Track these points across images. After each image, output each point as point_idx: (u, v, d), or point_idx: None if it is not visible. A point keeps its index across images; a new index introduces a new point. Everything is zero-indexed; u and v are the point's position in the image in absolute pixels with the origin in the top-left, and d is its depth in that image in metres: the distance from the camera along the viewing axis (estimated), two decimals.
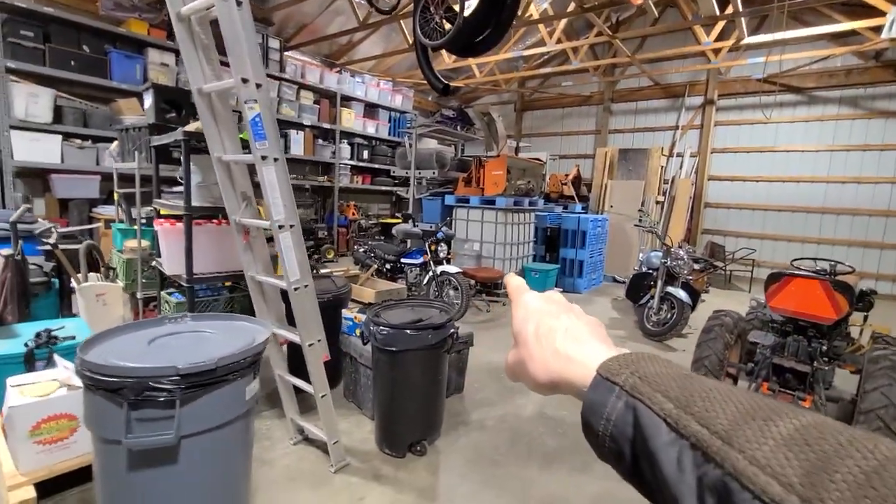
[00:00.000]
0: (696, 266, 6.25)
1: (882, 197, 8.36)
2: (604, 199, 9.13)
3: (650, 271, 5.75)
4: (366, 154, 10.41)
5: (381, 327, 2.50)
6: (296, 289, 2.32)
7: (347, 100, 9.75)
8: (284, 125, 8.42)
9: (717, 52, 8.27)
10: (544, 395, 0.53)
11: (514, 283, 0.59)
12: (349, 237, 9.78)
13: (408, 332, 2.48)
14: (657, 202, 8.63)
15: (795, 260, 3.88)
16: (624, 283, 8.36)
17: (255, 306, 2.62)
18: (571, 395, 0.45)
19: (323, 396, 2.43)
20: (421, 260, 5.53)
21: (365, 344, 2.68)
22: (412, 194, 7.38)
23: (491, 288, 6.73)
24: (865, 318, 3.70)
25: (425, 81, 4.53)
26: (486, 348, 4.55)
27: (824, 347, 2.94)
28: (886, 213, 8.33)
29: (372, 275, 5.68)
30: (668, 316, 5.09)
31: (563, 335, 0.48)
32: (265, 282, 2.54)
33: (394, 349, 2.49)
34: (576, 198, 9.25)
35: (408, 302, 2.98)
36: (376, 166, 10.32)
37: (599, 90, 11.35)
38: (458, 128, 7.85)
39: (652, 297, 5.26)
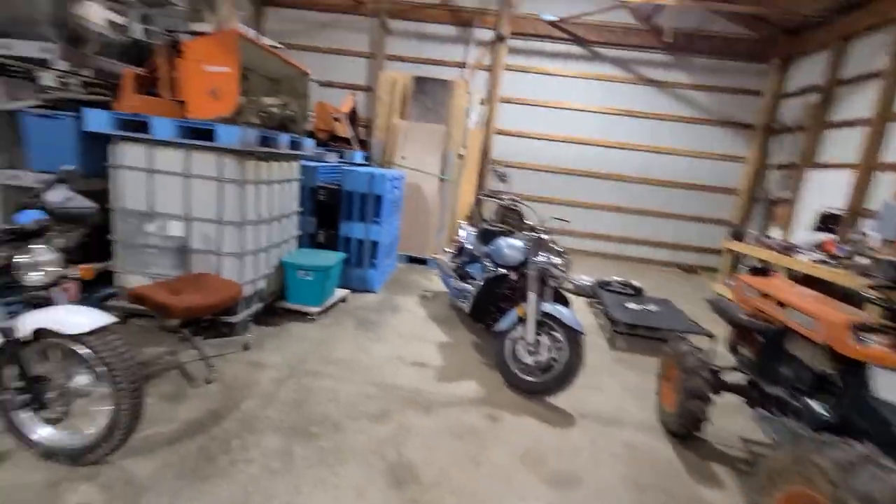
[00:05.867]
0: None
1: (649, 165, 8.67)
2: (390, 146, 6.55)
3: (502, 271, 3.57)
4: None
5: None
6: None
7: None
8: None
9: None
10: None
11: None
12: None
13: None
14: (459, 156, 6.63)
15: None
16: (425, 262, 6.18)
17: None
18: None
19: None
20: None
21: None
22: None
23: (216, 324, 3.32)
24: None
25: None
26: None
27: None
28: (657, 181, 8.72)
29: None
30: (552, 355, 3.02)
31: None
32: None
33: None
34: (354, 142, 6.35)
35: None
36: None
37: None
38: None
39: (521, 321, 3.08)
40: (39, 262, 1.88)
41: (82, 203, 2.17)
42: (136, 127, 3.09)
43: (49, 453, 1.94)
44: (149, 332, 3.12)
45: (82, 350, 1.83)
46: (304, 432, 2.37)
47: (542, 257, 3.19)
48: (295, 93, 4.31)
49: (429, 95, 6.44)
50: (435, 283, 5.44)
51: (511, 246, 3.49)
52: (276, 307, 3.87)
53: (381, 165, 6.51)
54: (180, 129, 3.07)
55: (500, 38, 8.31)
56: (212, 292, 2.84)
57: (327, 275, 3.93)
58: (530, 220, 3.56)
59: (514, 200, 3.62)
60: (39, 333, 1.81)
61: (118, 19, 3.87)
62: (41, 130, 3.17)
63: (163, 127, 3.06)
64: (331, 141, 6.22)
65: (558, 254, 3.28)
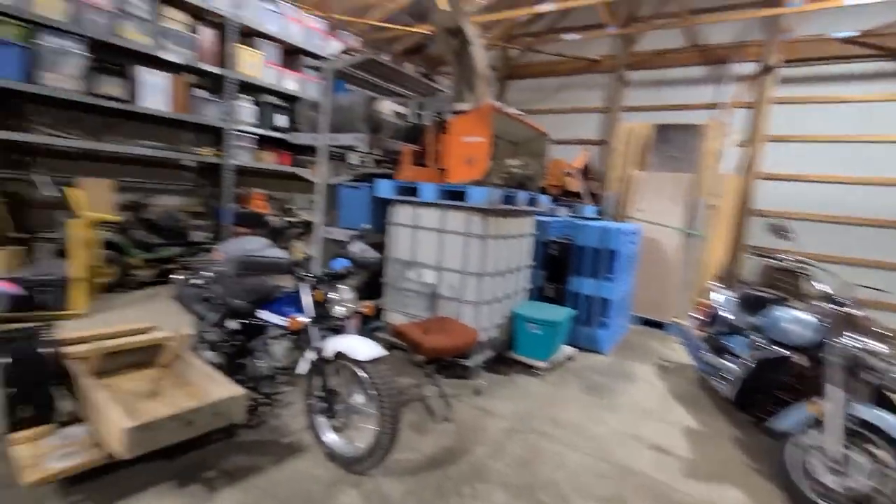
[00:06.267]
0: None
1: None
2: (626, 199, 6.20)
3: (782, 352, 2.79)
4: (282, 121, 7.13)
5: None
6: None
7: (250, 35, 6.45)
8: (128, 56, 5.08)
9: None
10: None
11: None
12: None
13: None
14: (709, 206, 5.77)
15: None
16: (662, 327, 5.40)
17: None
18: None
19: None
20: (285, 320, 2.35)
21: None
22: (322, 177, 4.19)
23: (454, 365, 3.60)
24: None
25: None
26: None
27: None
28: None
29: (190, 350, 2.48)
30: (873, 482, 2.13)
31: None
32: None
33: None
34: (586, 196, 6.29)
35: None
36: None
37: (611, 52, 8.45)
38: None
39: (818, 423, 2.29)
40: (343, 299, 2.41)
41: (372, 254, 2.73)
42: (408, 192, 3.77)
43: (332, 455, 2.38)
44: (400, 365, 3.61)
45: (362, 374, 2.22)
46: (532, 498, 2.26)
47: (850, 339, 2.36)
48: (533, 153, 4.57)
49: (672, 143, 5.90)
50: (676, 352, 4.70)
51: (796, 320, 2.71)
52: (504, 356, 3.98)
53: (615, 219, 6.21)
54: (440, 192, 3.60)
55: (766, 70, 7.08)
56: (454, 335, 3.12)
57: (556, 330, 3.85)
58: (825, 287, 2.71)
59: (801, 262, 2.83)
60: (338, 355, 2.28)
61: (401, 109, 4.93)
62: (348, 197, 4.21)
63: (427, 191, 3.64)
64: (562, 196, 6.31)
65: (881, 337, 2.36)
